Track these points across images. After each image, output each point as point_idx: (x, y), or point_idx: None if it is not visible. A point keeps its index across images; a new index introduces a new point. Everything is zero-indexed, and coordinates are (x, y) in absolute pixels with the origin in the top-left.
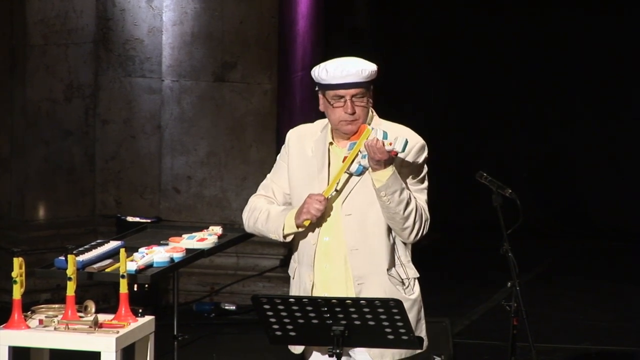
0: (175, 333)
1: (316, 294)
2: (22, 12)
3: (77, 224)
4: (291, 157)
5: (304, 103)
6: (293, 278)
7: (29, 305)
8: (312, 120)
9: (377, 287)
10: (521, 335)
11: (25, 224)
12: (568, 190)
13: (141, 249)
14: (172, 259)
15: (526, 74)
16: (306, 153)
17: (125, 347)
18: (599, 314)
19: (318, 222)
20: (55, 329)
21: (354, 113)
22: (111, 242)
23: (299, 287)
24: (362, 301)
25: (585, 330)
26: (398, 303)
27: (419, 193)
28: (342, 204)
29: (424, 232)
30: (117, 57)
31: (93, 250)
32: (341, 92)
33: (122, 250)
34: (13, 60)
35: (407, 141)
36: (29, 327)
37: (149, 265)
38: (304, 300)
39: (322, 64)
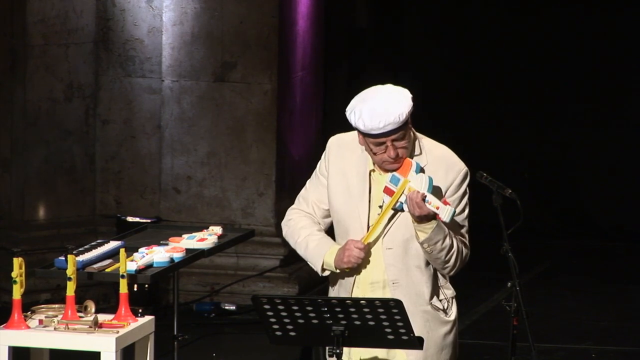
0: (175, 333)
1: None
2: (22, 12)
3: (77, 224)
4: (331, 172)
5: (304, 103)
6: (332, 287)
7: (29, 305)
8: (312, 121)
9: (420, 318)
10: (521, 335)
11: (26, 224)
12: (568, 190)
13: (141, 249)
14: (172, 259)
15: (527, 74)
16: (346, 171)
17: (125, 347)
18: (599, 314)
19: None
20: (55, 329)
21: (396, 156)
22: (111, 242)
23: None
24: (362, 301)
25: (585, 330)
26: (398, 303)
27: (459, 224)
28: (383, 237)
29: (464, 265)
30: (117, 57)
31: (93, 250)
32: (381, 139)
33: (122, 250)
34: (13, 60)
35: (454, 212)
36: (28, 327)
37: (149, 265)
38: (304, 300)
39: (357, 109)
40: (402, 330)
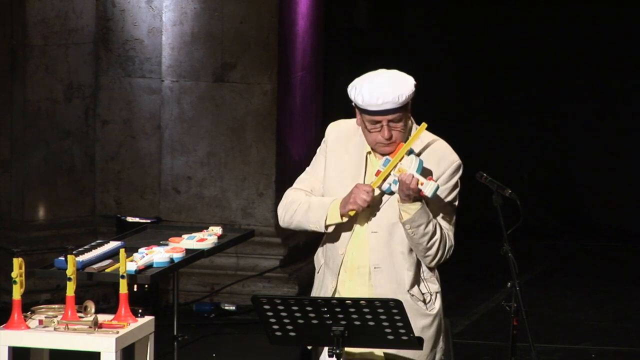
0: (175, 333)
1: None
2: (22, 12)
3: (77, 224)
4: (329, 154)
5: (304, 103)
6: (317, 272)
7: (29, 305)
8: (312, 121)
9: None
10: (521, 336)
11: (25, 224)
12: (568, 190)
13: (141, 250)
14: (172, 259)
15: (527, 74)
16: (343, 155)
17: (125, 348)
18: (599, 314)
19: (347, 233)
20: (55, 329)
21: (390, 137)
22: (111, 242)
23: (320, 287)
24: (362, 301)
25: (585, 330)
26: (398, 303)
27: (447, 215)
28: (369, 220)
29: (447, 257)
30: (117, 57)
31: (93, 251)
32: (377, 117)
33: (122, 251)
34: (13, 60)
35: (437, 187)
36: (28, 328)
37: (149, 266)
38: (303, 300)
39: (358, 85)
40: (402, 331)
